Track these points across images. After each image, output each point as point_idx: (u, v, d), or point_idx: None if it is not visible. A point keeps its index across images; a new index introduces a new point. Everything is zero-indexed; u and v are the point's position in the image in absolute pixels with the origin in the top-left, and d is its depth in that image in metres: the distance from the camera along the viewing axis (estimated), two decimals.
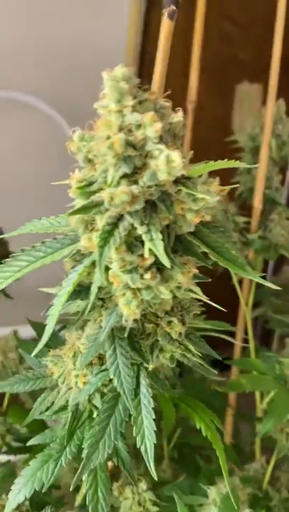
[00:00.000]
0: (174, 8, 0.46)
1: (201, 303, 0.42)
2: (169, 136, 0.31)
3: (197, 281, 0.35)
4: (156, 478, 0.38)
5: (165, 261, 0.29)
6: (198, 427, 0.49)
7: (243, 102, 1.40)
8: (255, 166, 0.44)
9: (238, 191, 0.79)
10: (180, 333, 0.40)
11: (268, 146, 0.74)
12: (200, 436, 0.79)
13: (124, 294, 0.33)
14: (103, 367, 0.44)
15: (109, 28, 1.20)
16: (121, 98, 0.29)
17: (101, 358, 0.45)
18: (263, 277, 0.96)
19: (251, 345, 0.77)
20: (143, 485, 0.57)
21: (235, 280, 0.79)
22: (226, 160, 0.37)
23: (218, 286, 0.38)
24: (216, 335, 0.55)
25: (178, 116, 0.32)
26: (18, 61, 1.21)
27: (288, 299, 0.87)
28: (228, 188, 0.31)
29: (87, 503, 0.41)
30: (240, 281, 0.80)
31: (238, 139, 0.78)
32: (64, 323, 0.70)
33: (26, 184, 1.22)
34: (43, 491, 0.42)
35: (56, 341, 0.53)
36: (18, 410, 0.72)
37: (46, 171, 1.22)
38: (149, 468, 0.39)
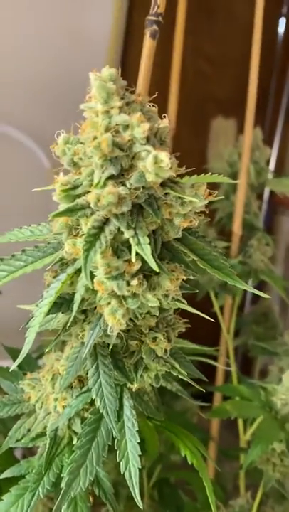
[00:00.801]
0: (156, 28, 0.48)
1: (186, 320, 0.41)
2: (156, 141, 0.30)
3: (184, 291, 0.34)
4: (141, 507, 0.35)
5: (153, 264, 0.28)
6: (183, 455, 0.46)
7: (219, 136, 1.44)
8: (236, 181, 0.44)
9: (217, 217, 0.79)
10: (165, 351, 0.38)
11: (247, 172, 0.75)
12: (182, 472, 0.76)
13: (109, 303, 0.31)
14: (84, 389, 0.41)
15: (88, 59, 1.22)
16: (108, 99, 0.28)
17: (81, 381, 0.43)
18: (242, 305, 0.95)
19: (233, 373, 0.75)
20: None
21: (216, 307, 0.78)
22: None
23: (197, 314, 0.37)
24: (199, 358, 0.53)
25: (165, 122, 0.31)
26: None
27: (269, 327, 0.86)
28: (216, 193, 0.31)
29: None
30: (221, 309, 0.79)
31: (215, 165, 0.79)
32: (42, 350, 0.68)
33: (4, 214, 1.20)
34: None
35: (33, 366, 0.51)
36: None
37: (24, 202, 1.20)
38: (134, 497, 0.36)
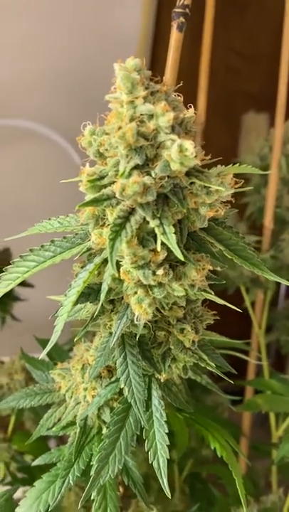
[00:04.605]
0: (183, 20, 0.48)
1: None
2: (182, 130, 0.30)
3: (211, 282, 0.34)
4: (169, 496, 0.36)
5: (178, 254, 0.28)
6: (212, 448, 0.46)
7: (250, 131, 1.42)
8: (267, 172, 0.43)
9: (247, 211, 0.79)
10: (193, 342, 0.38)
11: (278, 166, 0.74)
12: (213, 466, 0.76)
13: (135, 293, 0.31)
14: (113, 378, 0.42)
15: (117, 57, 1.23)
16: (133, 88, 0.28)
17: (110, 371, 0.44)
18: (275, 299, 0.92)
19: (265, 368, 0.74)
20: None
21: (247, 303, 0.77)
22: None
23: (228, 309, 0.37)
24: (230, 352, 0.53)
25: (190, 112, 0.31)
26: (24, 89, 1.23)
27: None
28: (242, 182, 0.31)
29: None
30: (253, 304, 0.79)
31: (246, 159, 0.78)
32: (73, 343, 0.69)
33: (32, 212, 1.22)
34: None
35: (64, 357, 0.52)
36: (24, 436, 0.69)
37: (52, 198, 1.22)
38: (162, 486, 0.36)
